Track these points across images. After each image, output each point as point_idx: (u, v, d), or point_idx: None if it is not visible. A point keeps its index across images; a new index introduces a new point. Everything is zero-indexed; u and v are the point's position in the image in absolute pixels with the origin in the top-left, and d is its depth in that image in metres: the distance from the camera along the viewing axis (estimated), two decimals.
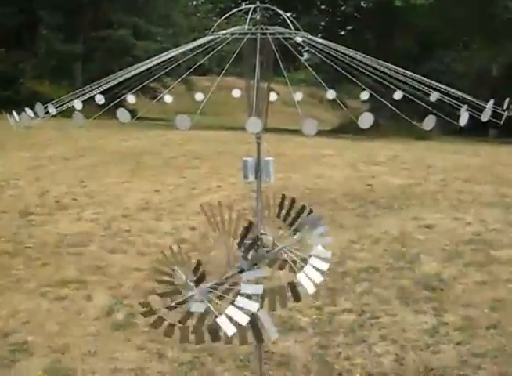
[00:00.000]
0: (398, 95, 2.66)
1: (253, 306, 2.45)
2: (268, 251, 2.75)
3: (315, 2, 29.29)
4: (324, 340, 4.67)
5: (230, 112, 34.62)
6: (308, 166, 12.04)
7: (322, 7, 29.82)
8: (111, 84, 2.43)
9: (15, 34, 28.26)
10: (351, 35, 28.88)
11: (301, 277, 2.70)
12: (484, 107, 2.27)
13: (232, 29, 2.50)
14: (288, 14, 2.56)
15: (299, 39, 2.58)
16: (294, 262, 2.76)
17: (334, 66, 2.60)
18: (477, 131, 24.66)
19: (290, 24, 2.53)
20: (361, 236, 7.19)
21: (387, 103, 2.61)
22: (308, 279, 2.68)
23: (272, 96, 2.84)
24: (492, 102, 2.29)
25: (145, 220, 7.99)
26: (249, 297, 2.50)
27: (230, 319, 2.43)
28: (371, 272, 6.04)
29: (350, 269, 6.11)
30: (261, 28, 2.50)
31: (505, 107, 2.46)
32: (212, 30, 2.59)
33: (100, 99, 2.47)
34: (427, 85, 2.51)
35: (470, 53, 23.59)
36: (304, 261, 2.76)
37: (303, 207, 2.84)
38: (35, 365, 4.27)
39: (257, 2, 2.60)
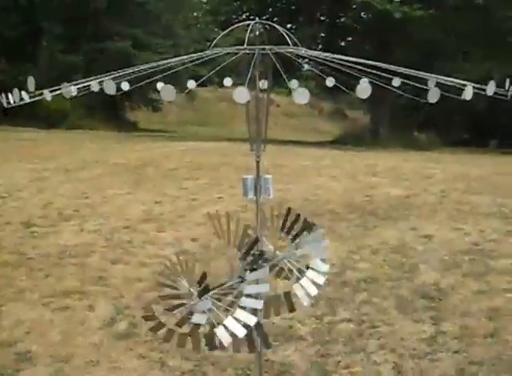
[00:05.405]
0: (396, 82, 2.68)
1: (251, 320, 2.48)
2: (268, 261, 2.79)
3: (315, 14, 29.47)
4: (323, 349, 4.72)
5: (230, 123, 34.75)
6: (307, 177, 12.11)
7: (322, 18, 30.02)
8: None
9: (17, 45, 28.43)
10: (351, 46, 29.05)
11: (296, 288, 2.73)
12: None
13: (232, 48, 2.56)
14: (289, 25, 2.64)
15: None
16: (291, 270, 2.80)
17: (336, 66, 2.65)
18: (477, 141, 24.81)
19: (288, 39, 2.61)
20: (360, 246, 7.26)
21: (391, 88, 2.63)
22: (304, 290, 2.71)
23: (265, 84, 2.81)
24: (493, 82, 2.34)
25: (146, 231, 8.05)
26: (248, 310, 2.54)
27: (227, 329, 2.47)
28: (370, 282, 6.10)
29: (349, 279, 6.17)
30: (260, 43, 2.57)
31: (506, 88, 2.52)
32: (213, 45, 2.66)
33: (96, 87, 2.52)
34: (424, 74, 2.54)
35: (471, 65, 23.67)
36: (301, 272, 2.79)
37: (306, 221, 2.87)
38: (39, 374, 4.32)
39: (257, 17, 2.67)
